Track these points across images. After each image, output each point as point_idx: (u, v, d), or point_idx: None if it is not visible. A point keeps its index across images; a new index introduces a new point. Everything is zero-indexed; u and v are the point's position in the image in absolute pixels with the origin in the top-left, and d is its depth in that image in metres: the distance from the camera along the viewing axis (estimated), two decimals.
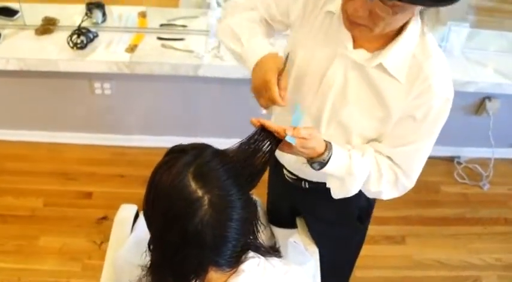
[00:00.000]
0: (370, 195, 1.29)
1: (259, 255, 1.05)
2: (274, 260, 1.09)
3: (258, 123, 1.06)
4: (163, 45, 2.25)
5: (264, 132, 1.07)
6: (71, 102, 2.58)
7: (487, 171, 2.75)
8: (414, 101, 1.13)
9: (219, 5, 2.21)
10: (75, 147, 2.72)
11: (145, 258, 1.04)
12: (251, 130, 1.07)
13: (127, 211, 1.62)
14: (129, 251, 1.38)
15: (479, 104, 2.59)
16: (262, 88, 1.13)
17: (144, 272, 1.03)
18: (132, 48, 2.22)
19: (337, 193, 1.25)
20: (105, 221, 2.35)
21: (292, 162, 1.42)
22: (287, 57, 1.17)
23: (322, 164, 1.15)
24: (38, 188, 2.51)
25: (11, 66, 2.20)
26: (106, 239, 2.25)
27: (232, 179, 0.93)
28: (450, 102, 1.14)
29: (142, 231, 1.51)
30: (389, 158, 1.22)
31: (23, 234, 2.31)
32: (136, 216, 1.65)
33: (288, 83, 1.18)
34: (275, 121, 1.36)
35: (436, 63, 1.11)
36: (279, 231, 1.61)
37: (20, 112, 2.64)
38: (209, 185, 0.89)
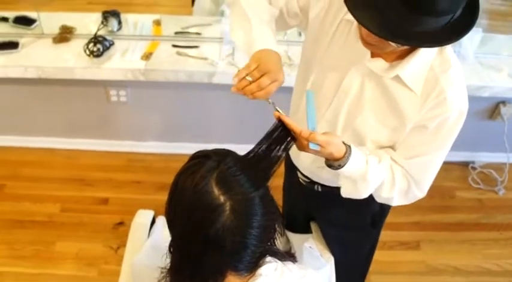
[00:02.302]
0: (379, 200, 1.30)
1: (276, 260, 1.07)
2: (290, 265, 1.10)
3: (278, 117, 1.08)
4: (178, 53, 2.27)
5: (283, 129, 1.10)
6: (87, 109, 2.62)
7: (502, 176, 2.73)
8: (429, 112, 1.13)
9: None
10: (92, 154, 2.75)
11: (165, 261, 1.06)
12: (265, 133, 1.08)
13: (144, 217, 1.64)
14: (146, 256, 1.40)
15: (494, 108, 2.58)
16: (269, 70, 1.09)
17: (163, 274, 1.05)
18: (147, 56, 2.25)
19: (347, 193, 1.26)
20: (121, 227, 2.38)
21: (306, 165, 1.43)
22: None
23: (339, 167, 1.16)
24: (55, 194, 2.54)
25: (29, 74, 2.23)
26: (122, 244, 2.28)
27: (255, 186, 0.94)
28: (465, 114, 1.14)
29: (159, 236, 1.54)
30: (403, 167, 1.23)
31: (40, 239, 2.35)
32: (153, 221, 1.67)
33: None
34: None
35: (453, 76, 1.11)
36: (294, 236, 1.62)
37: (37, 119, 2.69)
38: (231, 191, 0.91)
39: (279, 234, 1.09)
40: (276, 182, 1.05)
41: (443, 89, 1.10)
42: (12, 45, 2.28)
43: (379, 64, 1.13)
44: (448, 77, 1.10)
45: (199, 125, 2.64)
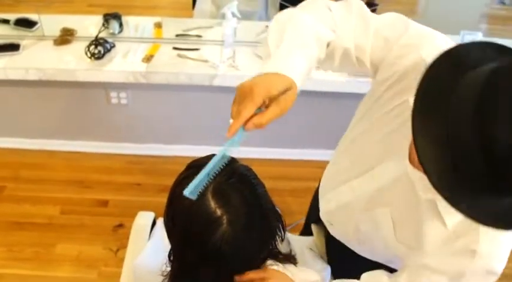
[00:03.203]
0: None
1: (277, 263, 1.07)
2: (291, 267, 1.10)
3: None
4: (179, 55, 2.28)
5: None
6: (88, 111, 2.62)
7: None
8: (450, 257, 0.96)
9: (234, 15, 2.23)
10: (92, 156, 2.75)
11: (166, 265, 1.06)
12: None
13: (144, 218, 1.64)
14: (147, 259, 1.40)
15: None
16: (245, 96, 0.85)
17: (164, 275, 1.05)
18: (148, 58, 2.26)
19: None
20: (121, 229, 2.38)
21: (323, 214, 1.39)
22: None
23: None
24: (54, 196, 2.54)
25: (30, 76, 2.24)
26: (122, 246, 2.28)
27: (252, 197, 0.94)
28: (494, 278, 0.95)
29: (160, 238, 1.53)
30: None
31: (40, 241, 2.35)
32: (154, 223, 1.66)
33: (270, 120, 0.86)
34: None
35: (493, 232, 0.92)
36: (295, 238, 1.62)
37: (37, 121, 2.69)
38: (228, 204, 0.90)
39: (279, 239, 1.09)
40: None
41: (476, 240, 0.91)
42: (13, 47, 2.28)
43: (419, 175, 0.89)
44: (488, 230, 0.86)
45: (200, 128, 2.64)
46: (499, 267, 0.93)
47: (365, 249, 1.29)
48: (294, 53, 0.92)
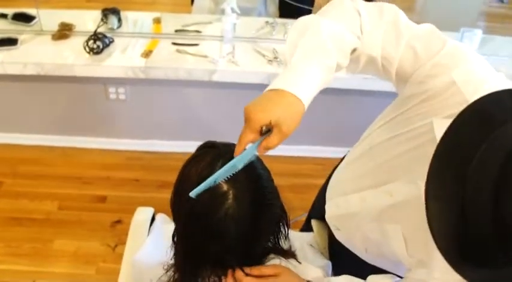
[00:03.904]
0: None
1: (280, 257, 1.07)
2: (294, 262, 1.10)
3: None
4: (178, 51, 2.27)
5: None
6: (86, 107, 2.61)
7: None
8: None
9: (233, 11, 2.23)
10: (90, 152, 2.74)
11: (167, 256, 1.05)
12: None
13: (144, 214, 1.63)
14: (147, 254, 1.39)
15: None
16: (245, 120, 0.86)
17: (165, 269, 1.05)
18: (147, 54, 2.25)
19: None
20: (119, 225, 2.37)
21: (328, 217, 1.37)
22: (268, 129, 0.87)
23: None
24: (53, 192, 2.53)
25: (28, 71, 2.22)
26: (120, 242, 2.27)
27: (260, 176, 0.94)
28: None
29: (160, 233, 1.53)
30: None
31: (37, 237, 2.33)
32: (153, 219, 1.66)
33: (276, 145, 0.88)
34: None
35: None
36: (295, 234, 1.61)
37: (36, 116, 2.68)
38: (235, 179, 0.90)
39: (283, 235, 1.09)
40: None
41: None
42: (11, 42, 2.26)
43: None
44: None
45: (199, 123, 2.64)
46: None
47: (371, 257, 1.28)
48: (308, 65, 0.88)
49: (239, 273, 0.98)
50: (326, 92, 2.47)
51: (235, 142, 0.89)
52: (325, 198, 1.40)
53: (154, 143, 2.74)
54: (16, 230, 2.36)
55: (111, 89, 2.48)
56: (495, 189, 0.66)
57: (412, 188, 0.98)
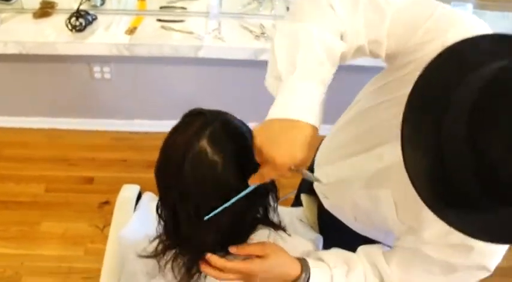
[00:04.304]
0: None
1: (269, 228, 1.04)
2: (284, 234, 1.08)
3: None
4: (163, 27, 2.22)
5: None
6: (71, 87, 2.56)
7: None
8: (446, 249, 0.93)
9: None
10: (76, 133, 2.69)
11: (155, 230, 1.03)
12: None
13: (129, 191, 1.60)
14: (133, 230, 1.36)
15: None
16: (267, 162, 0.83)
17: (151, 241, 1.02)
18: (131, 31, 2.19)
19: None
20: (107, 206, 2.34)
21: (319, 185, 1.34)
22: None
23: None
24: (39, 174, 2.49)
25: (9, 50, 2.16)
26: (108, 223, 2.22)
27: (245, 140, 0.92)
28: (487, 273, 0.93)
29: (146, 210, 1.50)
30: (383, 280, 1.04)
31: (24, 220, 2.30)
32: (139, 197, 1.63)
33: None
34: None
35: None
36: (284, 210, 1.59)
37: (19, 98, 2.62)
38: (225, 150, 0.89)
39: (272, 208, 1.06)
40: None
41: None
42: None
43: None
44: None
45: (187, 102, 2.55)
46: (493, 264, 0.92)
47: (361, 226, 1.26)
48: (312, 87, 0.85)
49: (220, 261, 0.94)
50: None
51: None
52: (313, 166, 1.37)
53: (141, 123, 2.70)
54: (2, 214, 2.33)
55: (96, 68, 2.43)
56: (470, 129, 0.64)
57: (400, 151, 0.96)
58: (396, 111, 0.95)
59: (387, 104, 1.02)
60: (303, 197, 1.61)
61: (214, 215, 0.88)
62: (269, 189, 1.01)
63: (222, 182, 0.88)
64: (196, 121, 0.92)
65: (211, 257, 0.92)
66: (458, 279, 0.96)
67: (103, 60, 2.37)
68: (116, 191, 1.66)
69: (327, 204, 1.34)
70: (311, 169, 1.38)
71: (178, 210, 0.92)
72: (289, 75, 0.86)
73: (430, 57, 0.77)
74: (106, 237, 1.50)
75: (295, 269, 0.97)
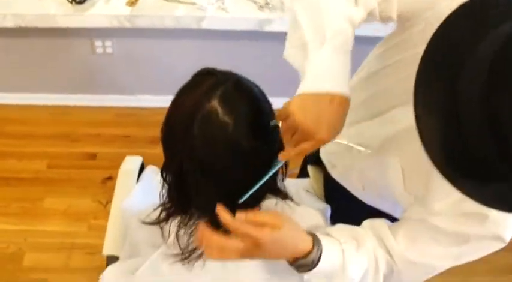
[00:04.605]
0: None
1: (277, 198, 1.01)
2: (291, 203, 1.04)
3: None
4: None
5: None
6: (72, 62, 2.51)
7: None
8: (457, 218, 0.89)
9: None
10: (77, 109, 2.65)
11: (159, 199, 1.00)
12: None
13: (132, 163, 1.57)
14: (136, 201, 1.33)
15: None
16: (308, 134, 0.82)
17: (155, 208, 0.99)
18: (132, 2, 2.14)
19: None
20: (109, 182, 2.31)
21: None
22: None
23: (311, 266, 0.90)
24: (41, 151, 2.46)
25: (7, 23, 2.11)
26: (111, 199, 2.20)
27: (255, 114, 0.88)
28: (502, 244, 0.89)
29: (150, 182, 1.47)
30: (390, 254, 0.99)
31: (27, 196, 2.28)
32: (142, 169, 1.60)
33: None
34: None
35: None
36: (289, 181, 1.55)
37: (18, 74, 2.58)
38: (236, 111, 0.84)
39: (280, 176, 1.02)
40: None
41: None
42: None
43: None
44: None
45: (190, 76, 2.54)
46: (509, 234, 0.88)
47: (369, 196, 1.22)
48: (340, 58, 0.86)
49: (229, 217, 0.87)
50: None
51: None
52: None
53: (144, 98, 2.66)
54: (4, 190, 2.30)
55: (98, 43, 2.38)
56: (488, 90, 0.60)
57: (412, 115, 0.91)
58: (406, 72, 0.92)
59: (396, 66, 0.98)
60: (310, 168, 1.57)
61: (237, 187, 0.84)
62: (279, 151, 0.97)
63: (233, 143, 0.84)
64: (207, 80, 0.88)
65: (221, 209, 0.85)
66: (471, 249, 0.92)
67: (104, 34, 2.32)
68: (119, 166, 1.63)
69: (334, 174, 1.30)
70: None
71: (185, 173, 0.88)
72: (318, 45, 0.85)
73: (443, 14, 0.72)
74: (109, 213, 1.47)
75: (306, 243, 0.91)
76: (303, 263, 0.89)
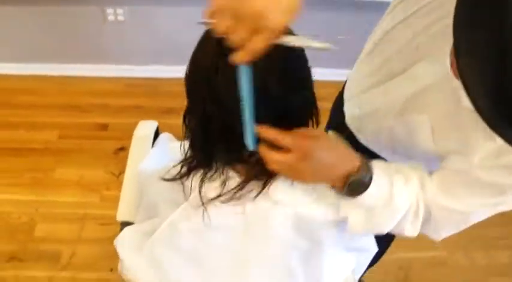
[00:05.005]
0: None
1: None
2: None
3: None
4: None
5: None
6: (83, 31, 2.45)
7: None
8: (495, 170, 0.84)
9: None
10: (89, 80, 2.60)
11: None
12: None
13: (147, 127, 1.52)
14: (153, 163, 1.28)
15: None
16: (253, 20, 0.62)
17: (175, 166, 0.94)
18: None
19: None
20: (122, 152, 2.26)
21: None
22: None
23: (359, 190, 0.85)
24: (51, 121, 2.42)
25: None
26: (124, 169, 2.16)
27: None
28: None
29: (165, 148, 1.41)
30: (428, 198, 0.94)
31: (38, 167, 2.24)
32: (156, 135, 1.54)
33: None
34: None
35: None
36: None
37: (28, 44, 2.53)
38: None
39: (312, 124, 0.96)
40: None
41: None
42: None
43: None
44: None
45: None
46: None
47: (398, 158, 1.16)
48: None
49: (273, 131, 0.80)
50: (344, 6, 2.27)
51: None
52: (342, 102, 1.27)
53: (157, 69, 2.60)
54: (15, 160, 2.26)
55: (109, 10, 2.32)
56: None
57: (437, 68, 0.85)
58: (423, 23, 0.87)
59: (411, 19, 0.92)
60: (331, 134, 1.51)
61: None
62: (311, 106, 0.90)
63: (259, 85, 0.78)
64: None
65: (263, 128, 0.79)
66: (507, 199, 0.87)
67: (116, 1, 2.26)
68: (132, 137, 1.58)
69: (361, 139, 1.24)
70: (338, 111, 1.28)
71: (208, 117, 0.83)
72: None
73: None
74: (122, 184, 1.43)
75: (354, 158, 0.85)
76: (356, 180, 0.84)
